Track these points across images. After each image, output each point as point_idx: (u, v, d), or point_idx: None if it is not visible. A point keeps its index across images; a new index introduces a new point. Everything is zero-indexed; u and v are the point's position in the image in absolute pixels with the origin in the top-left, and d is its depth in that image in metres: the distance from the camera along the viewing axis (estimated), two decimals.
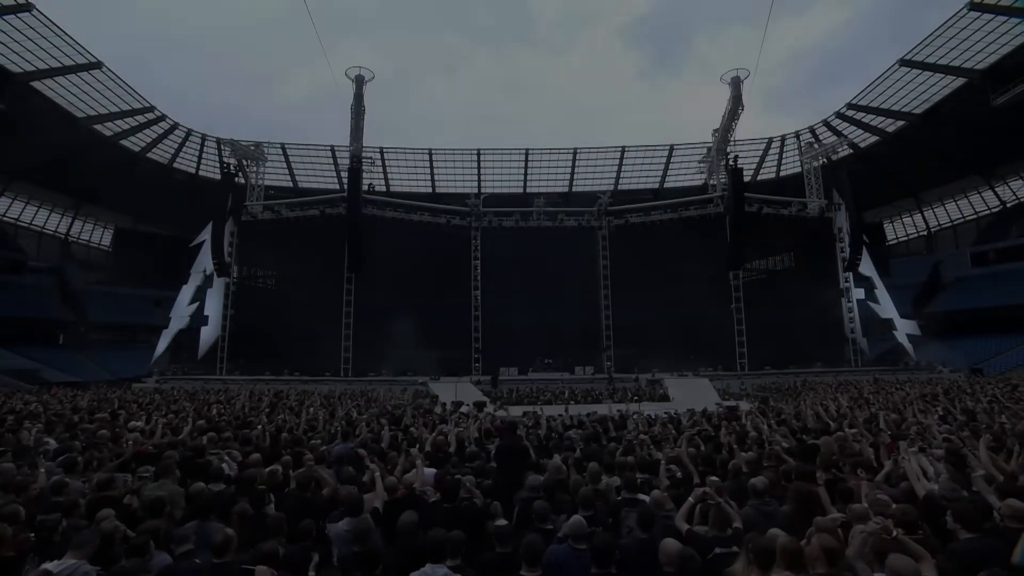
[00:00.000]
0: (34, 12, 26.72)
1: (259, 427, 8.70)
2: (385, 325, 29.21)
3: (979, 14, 27.62)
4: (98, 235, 42.46)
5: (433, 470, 5.37)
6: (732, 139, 31.93)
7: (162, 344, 29.76)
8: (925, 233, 44.02)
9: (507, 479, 5.30)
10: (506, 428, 6.27)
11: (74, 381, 28.60)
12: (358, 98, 28.85)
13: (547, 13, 71.65)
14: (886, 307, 29.97)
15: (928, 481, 4.76)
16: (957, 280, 39.14)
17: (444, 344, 31.76)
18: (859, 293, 30.11)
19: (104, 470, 5.48)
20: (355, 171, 27.91)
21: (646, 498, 4.28)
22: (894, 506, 3.56)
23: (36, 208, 38.98)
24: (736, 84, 29.85)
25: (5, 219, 37.87)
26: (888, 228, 45.05)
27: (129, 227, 42.16)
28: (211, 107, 64.17)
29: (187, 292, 29.65)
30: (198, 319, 29.37)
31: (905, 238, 45.21)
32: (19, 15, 26.74)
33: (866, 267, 29.75)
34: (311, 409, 10.61)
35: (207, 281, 29.42)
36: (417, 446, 6.40)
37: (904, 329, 29.79)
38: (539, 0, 70.00)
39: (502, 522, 3.50)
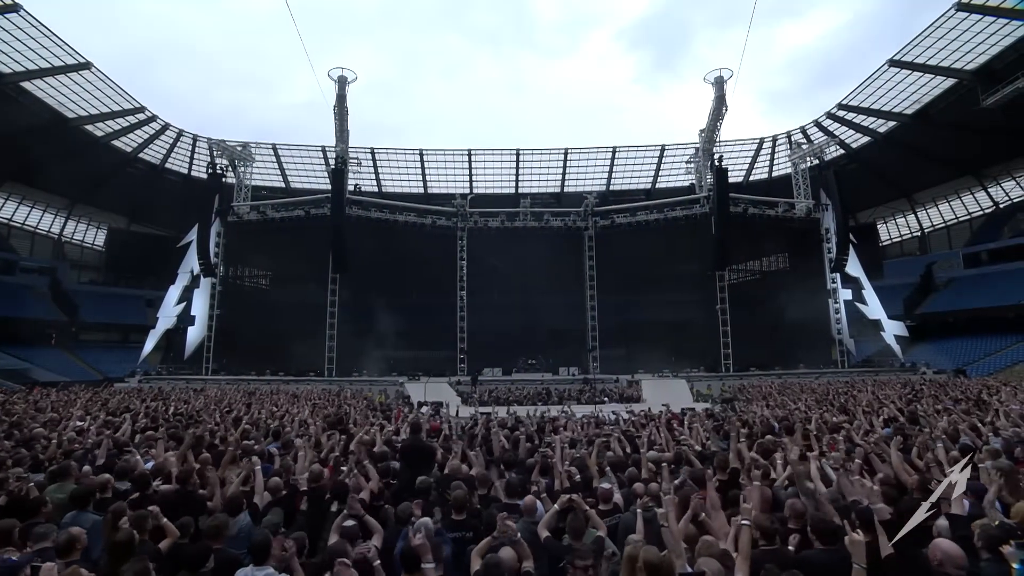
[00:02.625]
0: (21, 13, 26.90)
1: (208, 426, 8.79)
2: (370, 325, 29.29)
3: (967, 15, 27.41)
4: (91, 235, 42.64)
5: None
6: (718, 139, 31.81)
7: (149, 344, 29.89)
8: (919, 234, 43.74)
9: (411, 479, 5.31)
10: (411, 428, 6.25)
11: (62, 381, 28.79)
12: (340, 99, 28.87)
13: (547, 15, 71.76)
14: (874, 308, 29.79)
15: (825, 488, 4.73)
16: (950, 281, 38.91)
17: (430, 345, 31.88)
18: (846, 294, 29.94)
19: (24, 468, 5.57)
20: (338, 172, 27.96)
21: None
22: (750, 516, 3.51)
23: (29, 208, 39.16)
24: (720, 84, 29.73)
25: None
26: (882, 229, 44.80)
27: (123, 227, 42.34)
28: (215, 108, 64.70)
29: (174, 292, 29.77)
30: (185, 319, 29.47)
31: (899, 239, 44.95)
32: (6, 15, 26.95)
33: (853, 268, 29.58)
34: (260, 409, 10.63)
35: (194, 281, 29.55)
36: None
37: (892, 330, 29.60)
38: (540, 3, 69.97)
39: (350, 522, 3.51)
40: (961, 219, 41.77)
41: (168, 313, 29.63)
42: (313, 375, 27.97)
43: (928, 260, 41.22)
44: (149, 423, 8.95)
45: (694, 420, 8.83)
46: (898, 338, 29.46)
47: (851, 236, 29.81)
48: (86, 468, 5.46)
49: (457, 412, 10.46)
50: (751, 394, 16.52)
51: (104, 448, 6.06)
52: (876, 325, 30.09)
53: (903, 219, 44.46)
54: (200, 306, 29.50)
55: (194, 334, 29.29)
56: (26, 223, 39.41)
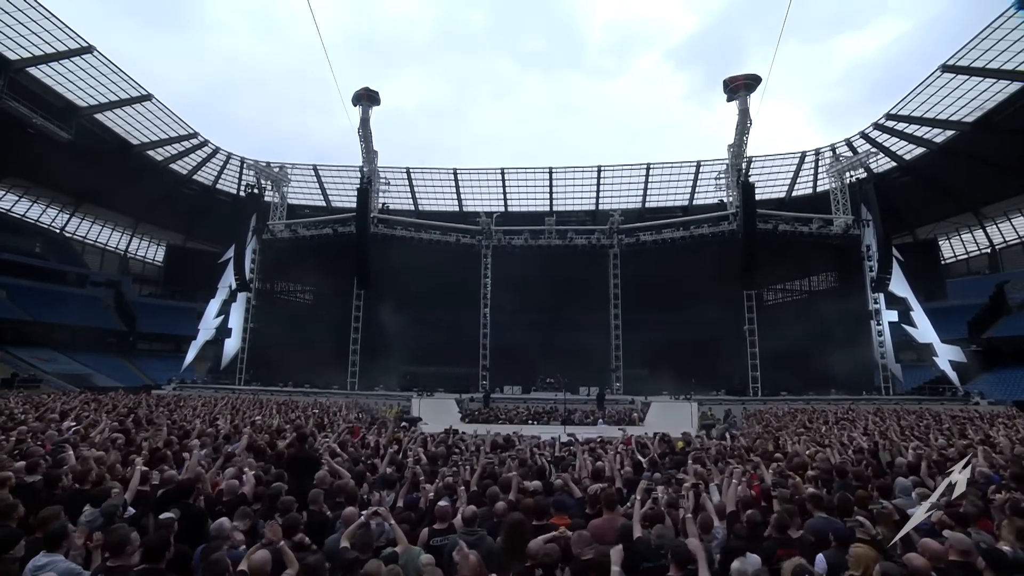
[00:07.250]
0: (95, 53, 30.07)
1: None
2: (394, 341, 29.90)
3: None
4: (152, 251, 46.41)
5: None
6: (746, 153, 30.52)
7: (191, 354, 31.86)
8: (988, 251, 39.91)
9: (296, 488, 5.41)
10: (297, 438, 6.34)
11: (117, 386, 31.22)
12: (364, 122, 30.06)
13: (597, 38, 72.94)
14: (924, 331, 27.28)
15: None
16: None
17: (453, 361, 32.15)
18: (891, 315, 27.57)
19: None
20: (363, 191, 29.03)
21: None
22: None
23: (100, 227, 43.24)
24: (743, 98, 28.64)
25: (75, 237, 42.27)
26: (945, 246, 41.30)
27: (179, 244, 45.83)
28: (279, 132, 70.75)
29: (214, 306, 31.68)
30: (223, 331, 31.23)
31: (964, 256, 41.17)
32: (83, 56, 30.22)
33: (900, 287, 27.29)
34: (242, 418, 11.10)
35: (232, 296, 31.32)
36: None
37: (946, 355, 26.95)
38: (590, 27, 71.24)
39: (168, 515, 3.68)
40: None
41: (208, 325, 31.53)
42: (336, 388, 28.81)
43: (999, 279, 37.47)
44: (119, 425, 9.49)
45: (643, 447, 8.41)
46: (953, 364, 26.80)
47: (897, 253, 27.59)
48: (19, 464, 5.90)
49: (421, 433, 10.46)
50: (760, 420, 15.53)
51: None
52: (928, 350, 27.56)
53: (969, 235, 40.74)
54: (236, 319, 31.20)
55: (230, 346, 30.97)
56: (97, 240, 43.49)
